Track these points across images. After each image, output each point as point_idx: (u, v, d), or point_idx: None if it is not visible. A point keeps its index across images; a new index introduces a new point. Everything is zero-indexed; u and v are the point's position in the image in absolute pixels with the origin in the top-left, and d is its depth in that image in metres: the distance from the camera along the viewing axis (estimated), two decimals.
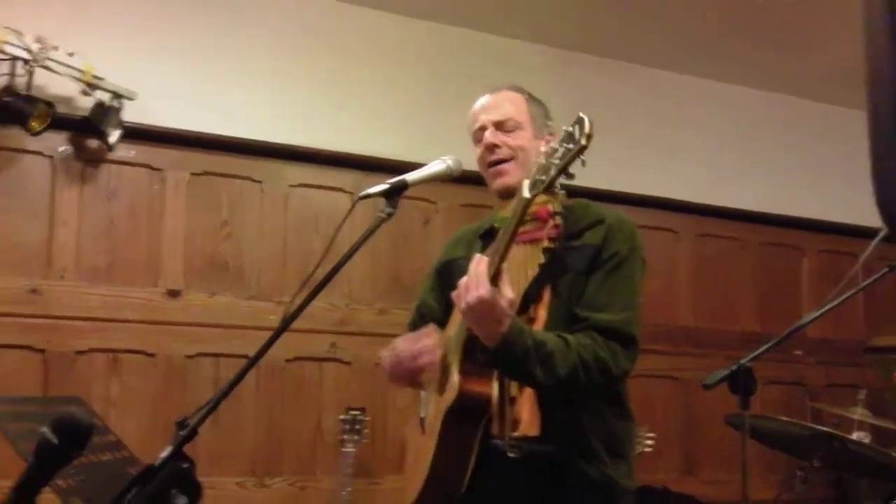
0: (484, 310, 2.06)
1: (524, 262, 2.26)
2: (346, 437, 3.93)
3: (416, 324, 2.59)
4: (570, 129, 1.92)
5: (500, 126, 2.43)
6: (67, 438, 1.54)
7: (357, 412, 3.96)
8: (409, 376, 2.42)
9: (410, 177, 2.19)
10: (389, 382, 2.53)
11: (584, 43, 4.99)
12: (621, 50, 5.07)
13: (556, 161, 1.93)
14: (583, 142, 1.88)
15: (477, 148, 2.48)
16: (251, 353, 1.86)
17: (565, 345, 2.16)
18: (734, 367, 2.66)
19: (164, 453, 1.67)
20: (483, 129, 2.45)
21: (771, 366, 4.70)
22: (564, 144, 1.92)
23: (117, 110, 3.90)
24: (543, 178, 1.96)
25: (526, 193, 2.00)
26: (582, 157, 1.90)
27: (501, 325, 2.08)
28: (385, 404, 4.26)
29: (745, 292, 5.39)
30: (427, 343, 2.35)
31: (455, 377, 2.17)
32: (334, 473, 3.96)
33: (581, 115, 1.91)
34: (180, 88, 4.18)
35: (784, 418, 3.45)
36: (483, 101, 2.50)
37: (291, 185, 4.43)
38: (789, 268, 5.53)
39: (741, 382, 2.63)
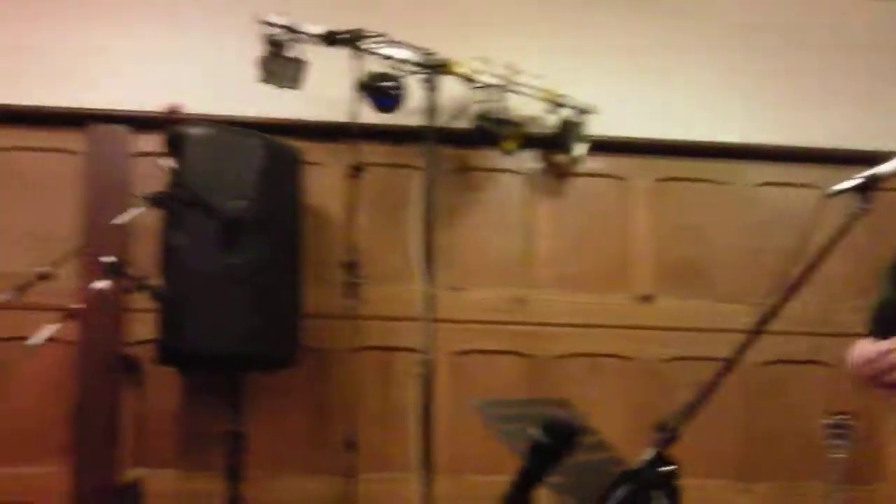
0: None
1: None
2: (832, 442, 3.74)
3: (881, 321, 2.42)
4: None
5: None
6: (559, 438, 1.64)
7: (843, 416, 3.75)
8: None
9: (884, 169, 2.06)
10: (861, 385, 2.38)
11: None
12: None
13: None
14: None
15: None
16: (725, 356, 1.86)
17: None
18: None
19: (646, 455, 1.72)
20: None
21: None
22: None
23: (581, 125, 4.08)
24: None
25: None
26: None
27: None
28: (873, 408, 3.99)
29: None
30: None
31: None
32: (822, 480, 3.79)
33: None
34: (639, 98, 4.25)
35: None
36: None
37: (757, 185, 4.36)
38: None
39: None
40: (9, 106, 3.94)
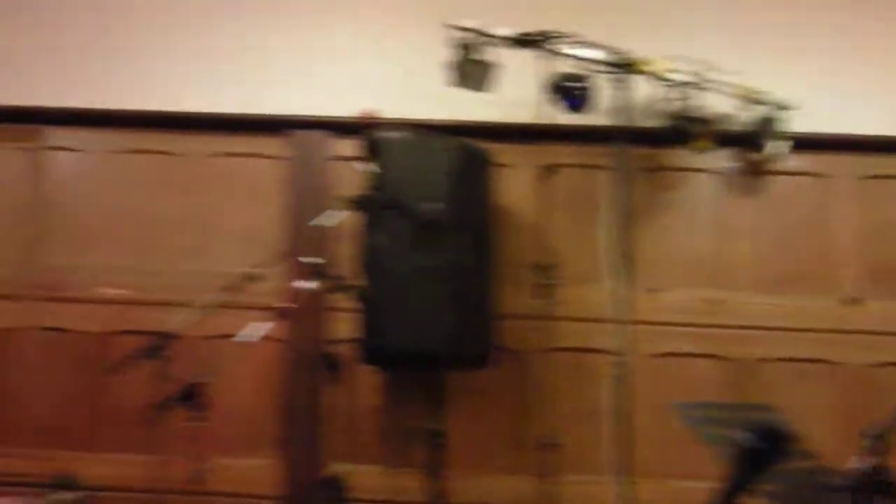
0: None
1: None
2: None
3: None
4: None
5: None
6: (773, 444, 1.60)
7: None
8: None
9: None
10: None
11: None
12: None
13: None
14: None
15: None
16: None
17: None
18: None
19: (858, 463, 1.65)
20: None
21: None
22: None
23: (779, 122, 3.95)
24: None
25: None
26: None
27: None
28: None
29: None
30: None
31: None
32: None
33: None
34: (842, 94, 4.08)
35: None
36: None
37: None
38: None
39: None
40: (218, 114, 4.18)
